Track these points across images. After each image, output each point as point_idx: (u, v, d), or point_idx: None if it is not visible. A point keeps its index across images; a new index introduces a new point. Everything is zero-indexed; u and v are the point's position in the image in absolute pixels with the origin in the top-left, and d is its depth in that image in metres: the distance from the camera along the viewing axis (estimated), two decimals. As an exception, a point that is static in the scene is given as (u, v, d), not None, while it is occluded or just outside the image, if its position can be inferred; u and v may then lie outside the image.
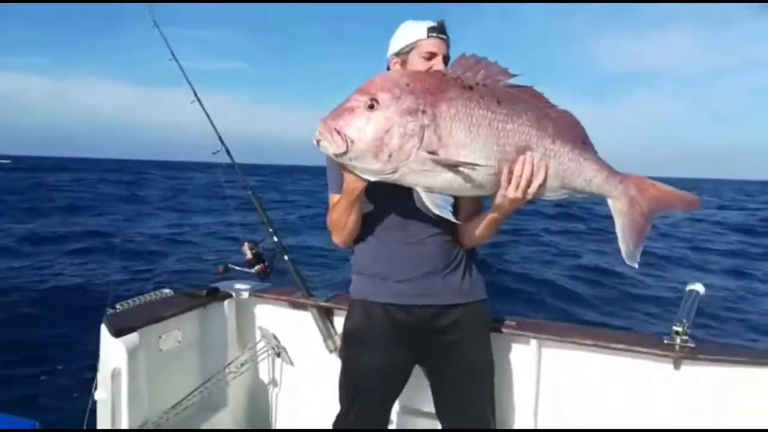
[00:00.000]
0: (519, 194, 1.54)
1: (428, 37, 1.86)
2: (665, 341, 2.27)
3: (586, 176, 1.59)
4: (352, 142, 1.44)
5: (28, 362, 5.02)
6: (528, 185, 1.54)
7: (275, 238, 2.88)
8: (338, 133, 1.44)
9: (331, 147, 1.46)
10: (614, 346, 2.31)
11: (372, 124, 1.44)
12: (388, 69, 1.95)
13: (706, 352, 2.22)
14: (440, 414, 2.08)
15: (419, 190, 1.54)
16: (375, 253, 2.00)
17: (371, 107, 1.44)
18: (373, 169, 1.49)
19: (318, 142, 1.48)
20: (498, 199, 1.63)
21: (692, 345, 2.24)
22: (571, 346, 2.38)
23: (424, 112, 1.45)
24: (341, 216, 1.86)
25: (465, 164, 1.48)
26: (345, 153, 1.45)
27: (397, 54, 1.91)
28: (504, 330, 2.42)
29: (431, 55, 1.85)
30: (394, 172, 1.48)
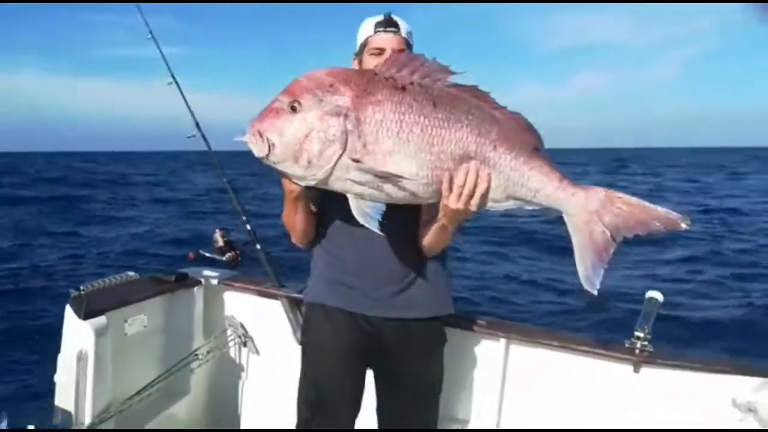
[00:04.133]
0: (461, 205, 1.43)
1: (375, 32, 1.80)
2: (626, 345, 2.35)
3: (531, 186, 1.44)
4: (273, 145, 1.37)
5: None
6: (471, 196, 1.42)
7: (248, 227, 2.86)
8: (260, 135, 1.38)
9: (255, 149, 1.39)
10: (578, 347, 2.38)
11: (291, 127, 1.36)
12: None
13: (664, 357, 2.31)
14: (379, 424, 2.04)
15: (349, 197, 1.45)
16: (331, 259, 1.94)
17: (293, 109, 1.36)
18: (295, 174, 1.42)
19: (245, 143, 1.41)
20: (441, 210, 1.53)
21: (651, 350, 2.32)
22: (537, 345, 2.45)
23: (346, 116, 1.35)
24: (288, 216, 1.82)
25: (391, 175, 1.37)
26: (267, 156, 1.38)
27: (356, 53, 1.88)
28: (475, 328, 2.47)
29: (380, 51, 1.79)
30: (316, 178, 1.40)
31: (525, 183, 1.44)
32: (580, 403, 2.42)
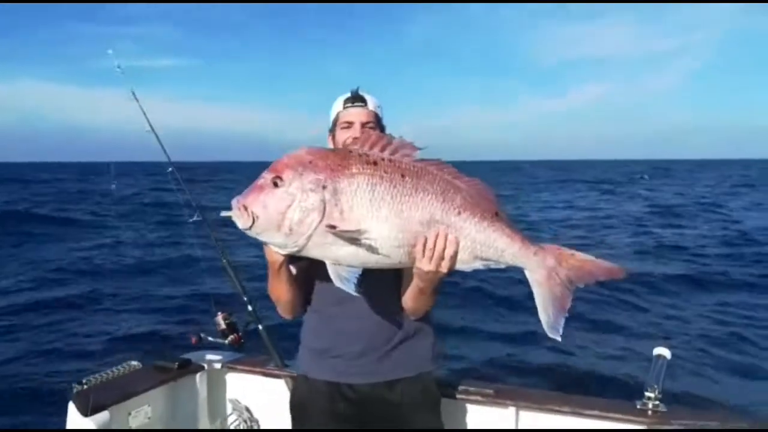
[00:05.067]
0: (432, 267, 1.56)
1: (344, 108, 1.98)
2: (638, 407, 2.31)
3: (497, 247, 1.59)
4: (257, 217, 1.50)
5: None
6: (441, 258, 1.55)
7: (249, 308, 2.86)
8: (245, 209, 1.51)
9: (239, 222, 1.53)
10: (590, 412, 2.34)
11: (274, 199, 1.50)
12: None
13: (678, 417, 2.27)
14: None
15: (327, 262, 1.57)
16: (316, 328, 2.01)
17: (276, 184, 1.51)
18: (277, 242, 1.56)
19: (230, 217, 1.55)
20: (415, 274, 1.65)
21: (664, 410, 2.28)
22: (548, 411, 2.40)
23: (324, 187, 1.50)
24: (273, 288, 1.89)
25: (360, 235, 1.50)
26: (251, 227, 1.52)
27: (330, 130, 2.04)
28: (482, 397, 2.43)
29: (349, 125, 1.95)
30: (297, 245, 1.53)
31: (491, 244, 1.59)
32: None
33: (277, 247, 1.59)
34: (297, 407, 2.05)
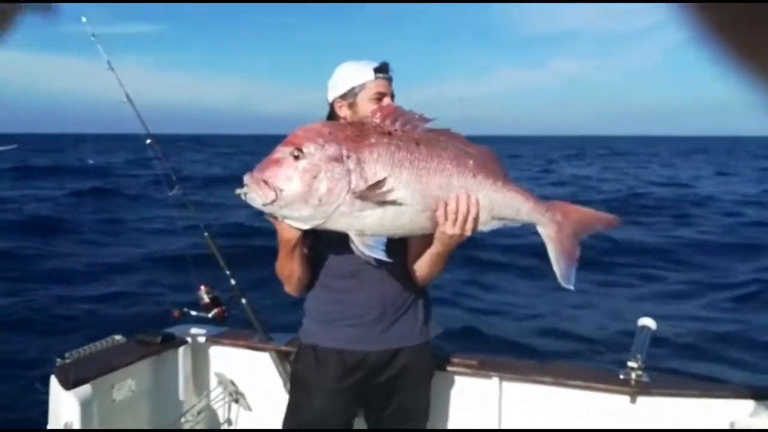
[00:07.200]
0: (457, 230, 1.60)
1: (376, 78, 1.89)
2: (621, 377, 2.34)
3: (514, 206, 1.66)
4: (280, 190, 1.48)
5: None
6: (465, 220, 1.60)
7: (233, 281, 2.84)
8: (266, 183, 1.48)
9: (259, 198, 1.49)
10: (573, 383, 2.36)
11: (299, 171, 1.49)
12: (331, 112, 1.97)
13: (660, 386, 2.30)
14: None
15: (351, 234, 1.58)
16: (326, 299, 2.01)
17: (297, 157, 1.50)
18: (303, 216, 1.54)
19: (245, 195, 1.50)
20: (437, 238, 1.69)
21: (647, 380, 2.31)
22: (531, 382, 2.43)
23: (348, 157, 1.52)
24: (284, 266, 1.87)
25: (386, 196, 1.52)
26: (274, 202, 1.49)
27: (343, 96, 1.92)
28: (467, 368, 2.44)
29: (381, 96, 1.88)
30: (325, 216, 1.53)
31: (508, 203, 1.65)
32: None
33: (299, 222, 1.56)
34: (303, 376, 2.04)
